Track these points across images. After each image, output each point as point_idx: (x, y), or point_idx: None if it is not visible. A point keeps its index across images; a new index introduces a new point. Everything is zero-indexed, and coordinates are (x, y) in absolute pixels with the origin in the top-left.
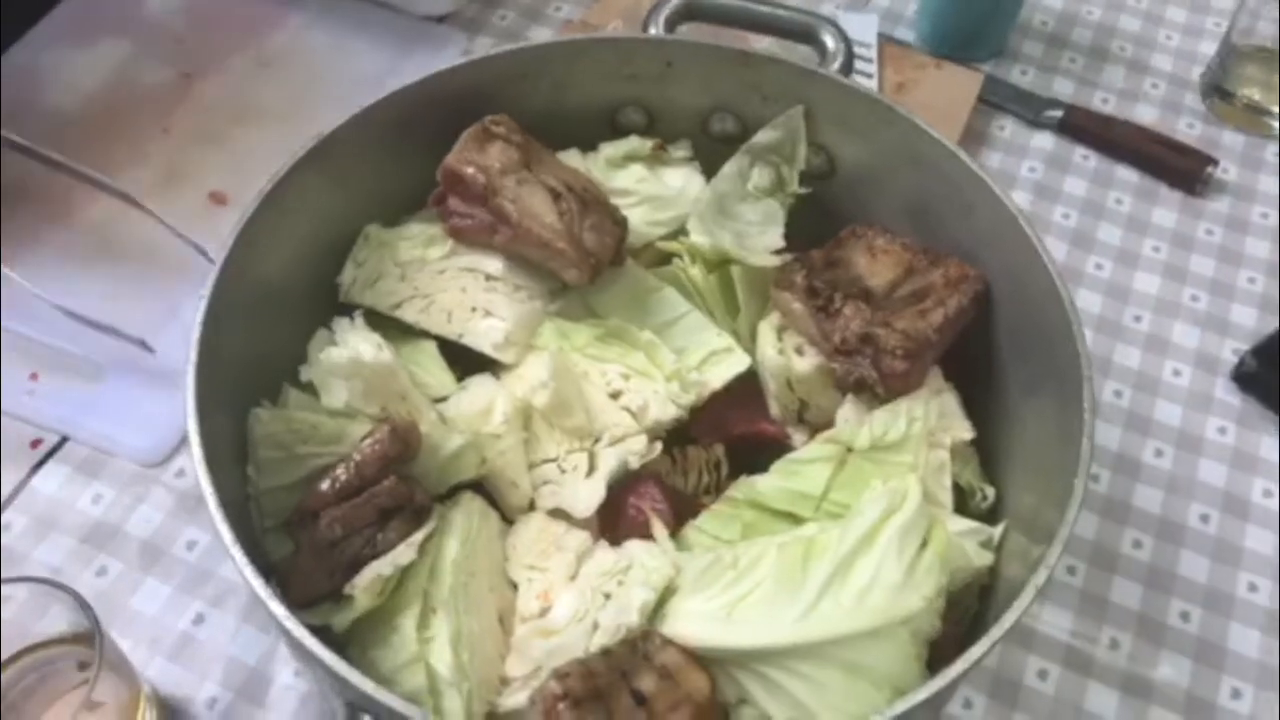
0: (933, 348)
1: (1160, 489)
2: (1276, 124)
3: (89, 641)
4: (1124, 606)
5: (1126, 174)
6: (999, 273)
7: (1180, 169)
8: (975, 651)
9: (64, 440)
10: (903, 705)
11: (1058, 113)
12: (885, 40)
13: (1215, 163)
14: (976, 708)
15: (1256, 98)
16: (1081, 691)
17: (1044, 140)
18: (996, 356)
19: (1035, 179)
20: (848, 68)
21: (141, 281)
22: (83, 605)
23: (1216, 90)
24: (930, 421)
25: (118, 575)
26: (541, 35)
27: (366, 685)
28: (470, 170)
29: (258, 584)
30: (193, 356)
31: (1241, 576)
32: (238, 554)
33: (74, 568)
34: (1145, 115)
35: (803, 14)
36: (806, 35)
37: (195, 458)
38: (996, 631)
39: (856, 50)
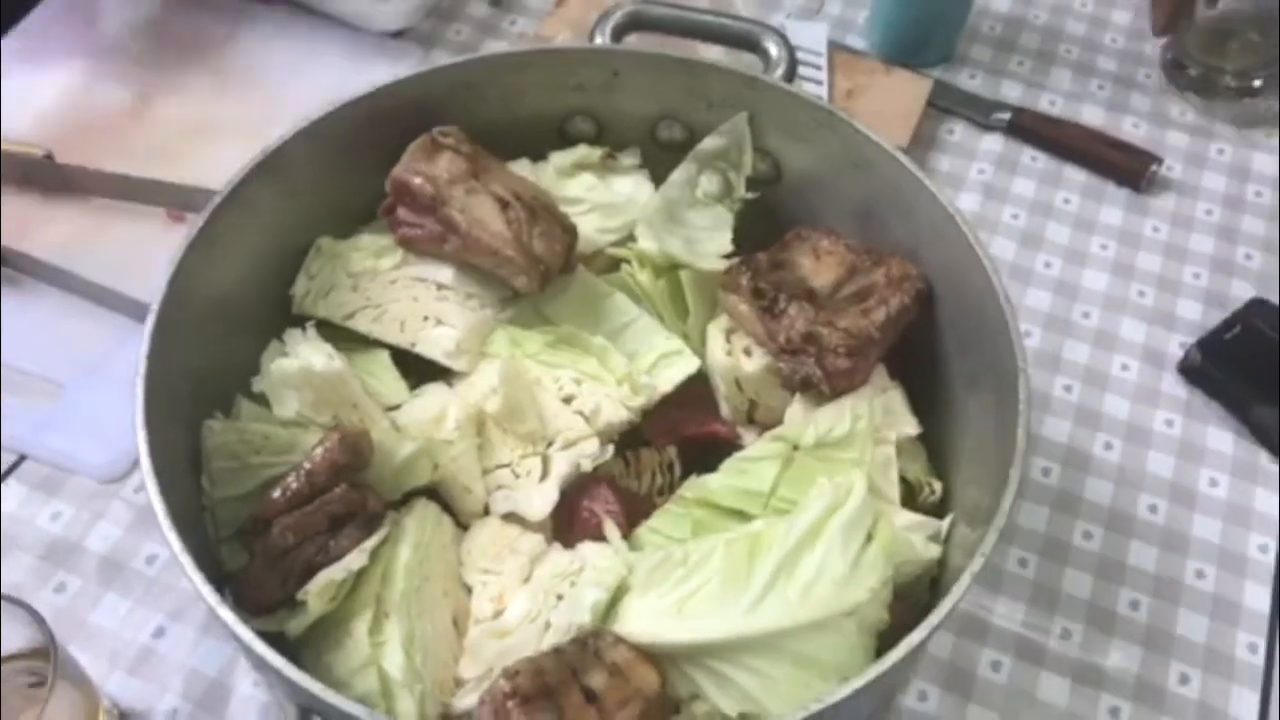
0: (876, 345)
1: (1110, 481)
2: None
3: (45, 657)
4: (1075, 596)
5: (1074, 174)
6: (940, 271)
7: (1126, 168)
8: (915, 637)
9: (22, 459)
10: (845, 690)
11: (1006, 115)
12: (835, 48)
13: (1160, 161)
14: (931, 699)
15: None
16: (1034, 681)
17: (993, 143)
18: (940, 353)
19: (984, 180)
20: (791, 75)
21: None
22: (37, 619)
23: (1175, 64)
24: (875, 418)
25: (77, 591)
26: (497, 49)
27: (315, 687)
28: (418, 180)
29: (205, 589)
30: (141, 368)
31: (1189, 564)
32: (185, 560)
33: (33, 585)
34: (1092, 116)
35: (746, 22)
36: (750, 43)
37: (144, 467)
38: (935, 617)
39: (807, 58)
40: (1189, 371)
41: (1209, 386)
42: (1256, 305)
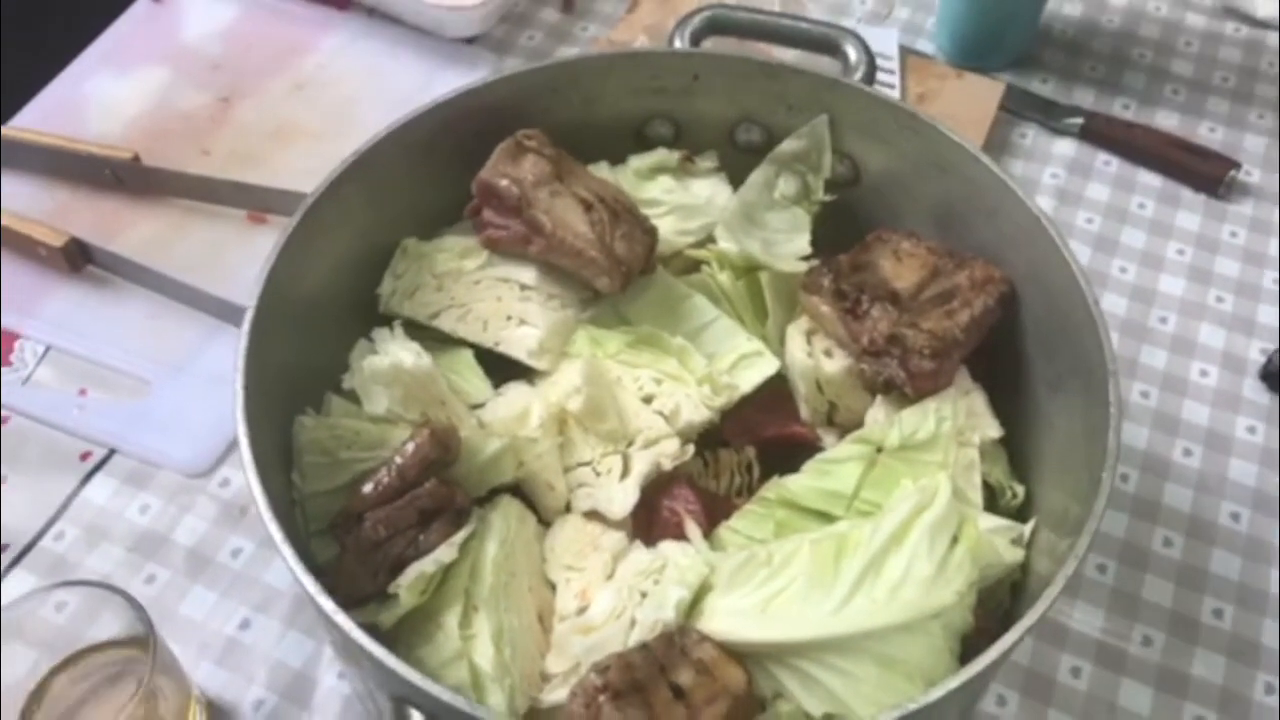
0: (960, 347)
1: (1190, 488)
2: None
3: (141, 645)
4: (1156, 604)
5: (1149, 179)
6: (1024, 273)
7: (1202, 172)
8: (1007, 639)
9: (112, 453)
10: (936, 693)
11: (1079, 120)
12: (906, 52)
13: (1238, 166)
14: (1010, 704)
15: None
16: (1115, 688)
17: (1066, 147)
18: (1023, 356)
19: (1058, 185)
20: (870, 77)
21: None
22: (135, 607)
23: None
24: (959, 420)
25: (166, 582)
26: (568, 54)
27: (414, 676)
28: (504, 183)
29: (307, 579)
30: (240, 364)
31: (1274, 574)
32: (287, 551)
33: (123, 575)
34: (1166, 121)
35: (825, 26)
36: (829, 47)
37: (244, 461)
38: (1027, 620)
39: (878, 62)
40: (1270, 377)
41: None
42: None
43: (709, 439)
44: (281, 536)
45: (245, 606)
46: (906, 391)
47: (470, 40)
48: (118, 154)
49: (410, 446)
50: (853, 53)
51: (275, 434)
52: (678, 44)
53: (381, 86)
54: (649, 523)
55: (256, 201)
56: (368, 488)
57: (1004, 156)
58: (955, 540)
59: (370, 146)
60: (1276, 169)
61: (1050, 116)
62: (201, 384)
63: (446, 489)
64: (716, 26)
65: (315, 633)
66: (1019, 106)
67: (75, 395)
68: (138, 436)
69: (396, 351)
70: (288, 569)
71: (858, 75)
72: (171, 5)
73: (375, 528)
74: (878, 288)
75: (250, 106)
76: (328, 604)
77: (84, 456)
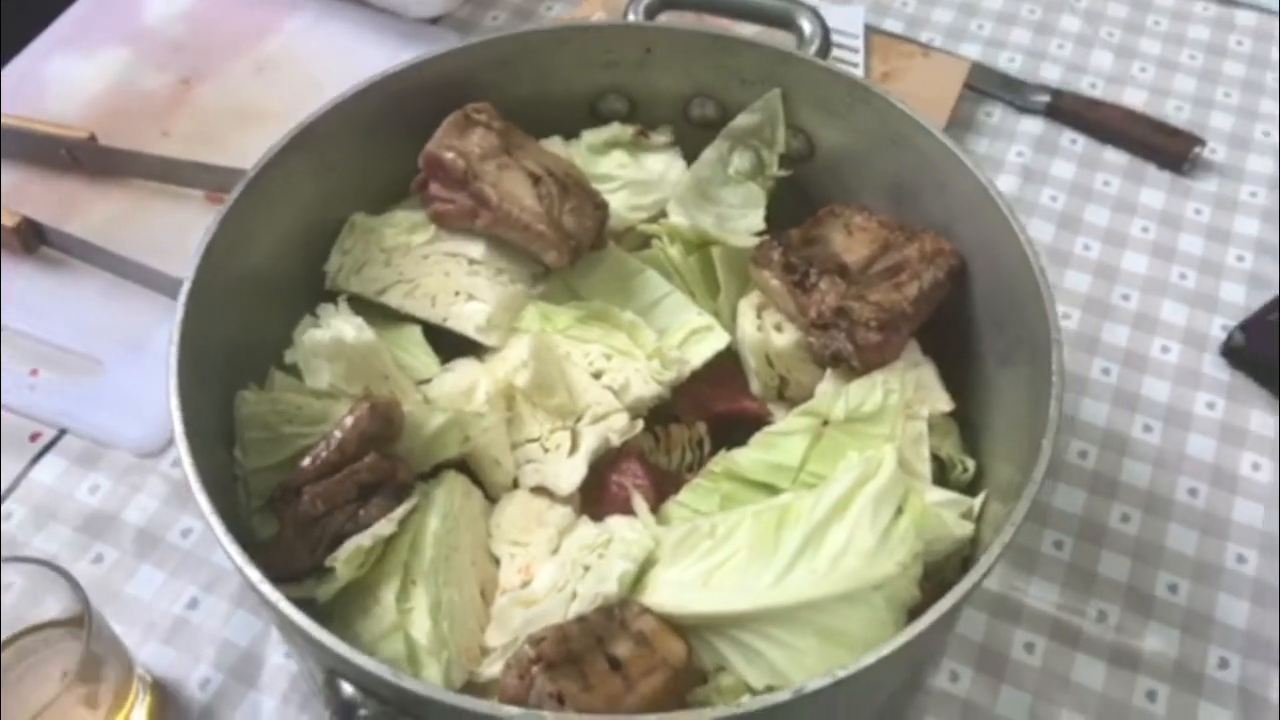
0: (908, 320)
1: (1148, 464)
2: None
3: (82, 624)
4: (1112, 579)
5: (1114, 156)
6: (974, 246)
7: (1168, 150)
8: (943, 604)
9: (62, 433)
10: (869, 658)
11: (1045, 98)
12: (872, 31)
13: (1203, 143)
14: (963, 680)
15: None
16: (1069, 663)
17: (1032, 125)
18: (974, 329)
19: (1023, 163)
20: (825, 51)
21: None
22: (73, 585)
23: None
24: (907, 393)
25: (114, 562)
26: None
27: (341, 648)
28: (450, 155)
29: (233, 548)
30: (175, 337)
31: (1230, 548)
32: (215, 521)
33: (71, 555)
34: (1134, 99)
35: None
36: (784, 20)
37: (176, 433)
38: (964, 585)
39: (843, 40)
40: (1231, 353)
41: (1251, 369)
42: None
43: (660, 415)
44: (210, 508)
45: (194, 586)
46: (854, 364)
47: (434, 20)
48: (74, 134)
49: (349, 420)
50: (807, 26)
51: (218, 409)
52: (632, 18)
53: (345, 67)
54: (598, 499)
55: (216, 182)
56: (306, 462)
57: (969, 134)
58: (900, 512)
59: (315, 119)
60: (1242, 146)
61: (1016, 95)
62: (154, 364)
63: (387, 463)
64: (670, 1)
65: (263, 612)
66: (985, 85)
67: (27, 375)
68: (89, 416)
69: (339, 325)
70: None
71: (812, 49)
72: None
73: (313, 502)
74: (827, 261)
75: (211, 88)
76: (254, 573)
77: (34, 437)
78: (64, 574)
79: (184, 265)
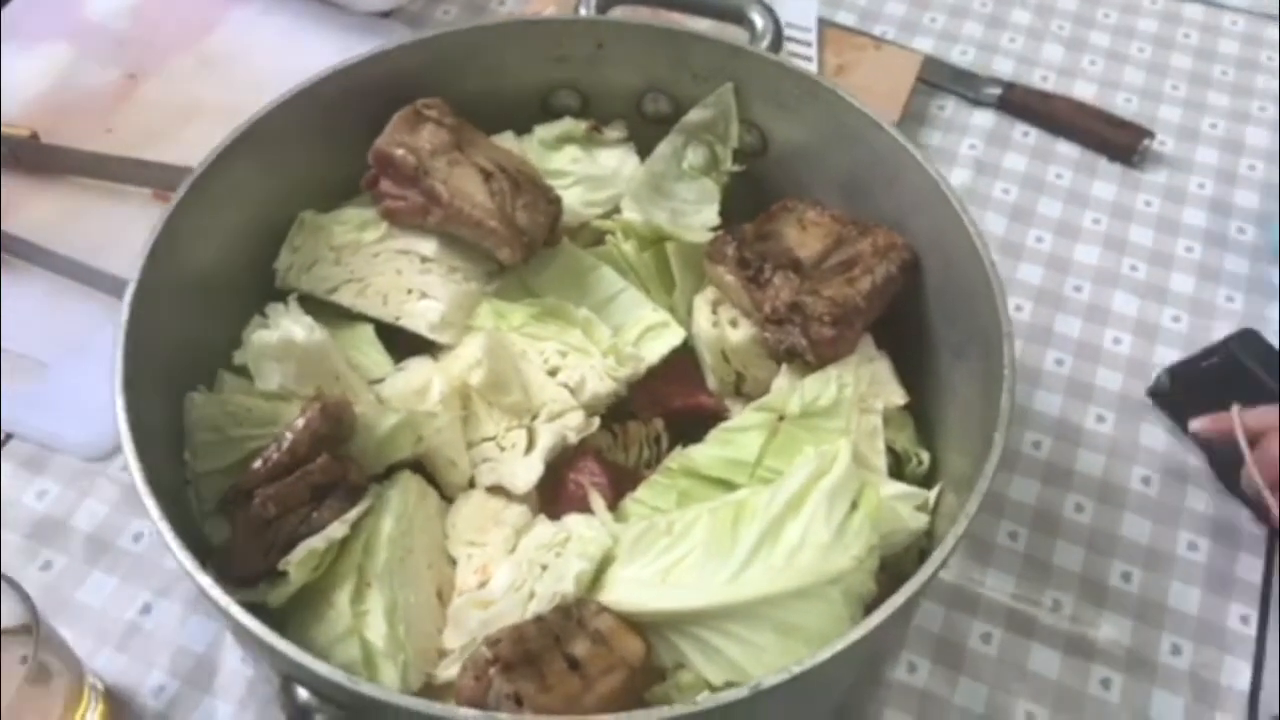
0: (861, 314)
1: (1102, 454)
2: None
3: (30, 633)
4: (1066, 569)
5: (1066, 149)
6: (927, 240)
7: (1118, 142)
8: (898, 598)
9: (8, 438)
10: (826, 653)
11: (997, 90)
12: (826, 25)
13: (1152, 135)
14: (921, 671)
15: None
16: (1025, 653)
17: (984, 118)
18: (927, 323)
19: (975, 156)
20: (777, 45)
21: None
22: (20, 594)
23: None
24: (861, 387)
25: (63, 569)
26: None
27: (294, 653)
28: (400, 152)
29: (183, 555)
30: (120, 339)
31: (1182, 536)
32: (164, 526)
33: (19, 563)
34: (1084, 92)
35: None
36: (735, 15)
37: (122, 435)
38: (919, 578)
39: (796, 34)
40: (1157, 396)
41: (1176, 414)
42: (1243, 336)
43: (618, 412)
44: (158, 513)
45: (146, 591)
46: (809, 359)
47: (385, 14)
48: (15, 132)
49: (300, 421)
50: (759, 20)
51: (167, 412)
52: (583, 12)
53: (293, 62)
54: (555, 497)
55: (159, 179)
56: (257, 464)
57: (922, 128)
58: (855, 506)
59: (262, 115)
60: (1190, 138)
61: (969, 88)
62: (100, 366)
63: (339, 465)
64: None
65: (218, 616)
66: (938, 78)
67: None
68: (35, 420)
69: (288, 326)
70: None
71: (765, 43)
72: None
73: (265, 505)
74: (781, 256)
75: (156, 83)
76: (205, 580)
77: None
78: (10, 582)
79: (129, 265)
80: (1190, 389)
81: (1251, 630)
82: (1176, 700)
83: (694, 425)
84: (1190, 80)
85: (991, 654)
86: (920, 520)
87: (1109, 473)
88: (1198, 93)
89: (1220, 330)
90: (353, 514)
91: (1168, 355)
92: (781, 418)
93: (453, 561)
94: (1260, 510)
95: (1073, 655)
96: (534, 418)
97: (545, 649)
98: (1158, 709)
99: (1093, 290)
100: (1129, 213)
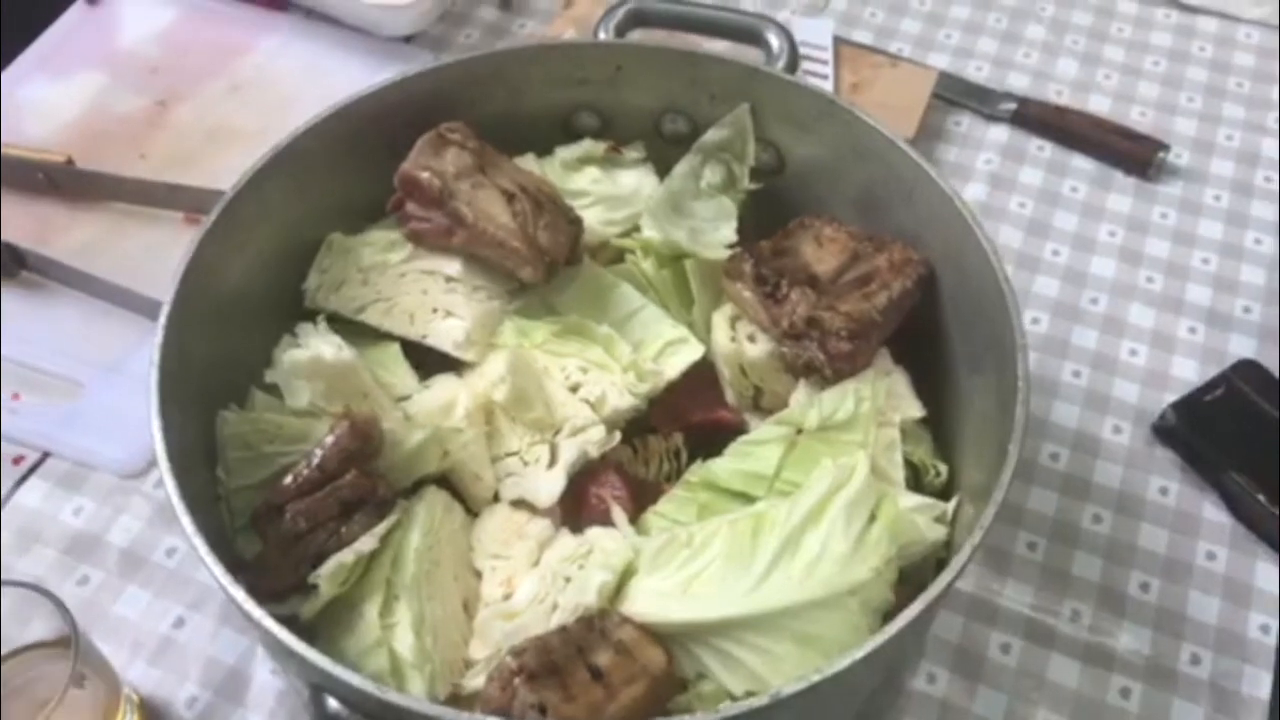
0: (878, 329)
1: (1119, 465)
2: None
3: (69, 646)
4: (1085, 579)
5: (1081, 163)
6: (941, 255)
7: (1133, 155)
8: (915, 607)
9: (45, 456)
10: (844, 661)
11: (1012, 106)
12: (841, 43)
13: (1167, 148)
14: (940, 681)
15: None
16: (1044, 663)
17: (999, 133)
18: (944, 337)
19: (991, 170)
20: (793, 65)
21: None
22: (60, 608)
23: None
24: (879, 401)
25: (99, 584)
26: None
27: (325, 663)
28: (426, 175)
29: (217, 568)
30: (155, 358)
31: (1201, 546)
32: (198, 541)
33: (56, 578)
34: (1098, 106)
35: (746, 15)
36: (752, 36)
37: (158, 453)
38: (935, 588)
39: (813, 53)
40: (1161, 431)
41: (1182, 449)
42: (1245, 367)
43: (638, 427)
44: (193, 528)
45: (179, 605)
46: (826, 373)
47: (408, 39)
48: (51, 158)
49: (330, 438)
50: (775, 41)
51: (199, 430)
52: (602, 36)
53: (319, 86)
54: (577, 510)
55: (192, 203)
56: (288, 480)
57: (938, 143)
58: (873, 518)
59: (291, 141)
60: (1206, 151)
61: (984, 103)
62: (135, 385)
63: (368, 480)
64: (640, 19)
65: (249, 629)
66: (953, 94)
67: (8, 400)
68: (71, 439)
69: (317, 345)
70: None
71: (780, 64)
72: (107, 9)
73: (295, 520)
74: (798, 272)
75: (187, 109)
76: (238, 593)
77: (16, 461)
78: (50, 596)
79: (162, 287)
80: (1195, 423)
81: (1272, 640)
82: (1197, 710)
83: (713, 439)
84: (1205, 93)
85: (1011, 664)
86: (938, 532)
87: (1126, 483)
88: (1213, 105)
89: (1237, 341)
90: (381, 528)
91: (1185, 366)
92: (800, 431)
93: (478, 574)
94: None
95: (1092, 665)
96: (556, 433)
97: (569, 659)
98: (1178, 718)
99: (1109, 302)
100: (1145, 225)
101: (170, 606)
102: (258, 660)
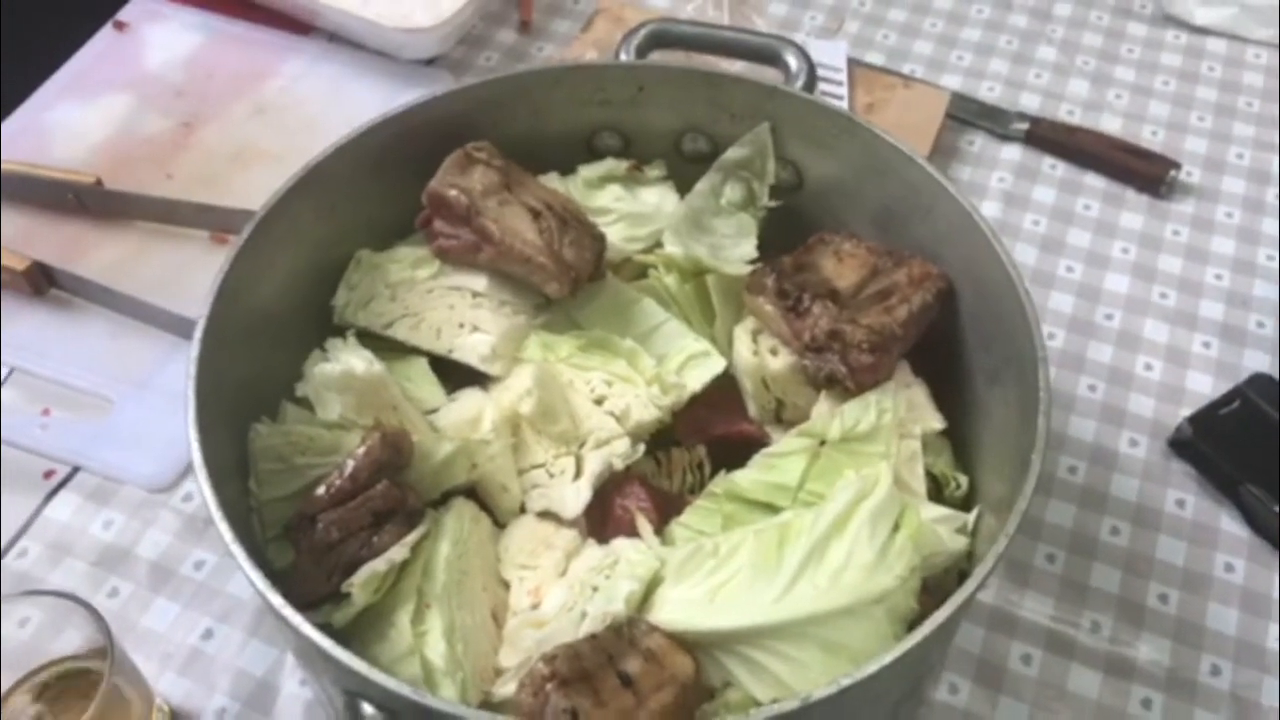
0: (899, 342)
1: (1136, 478)
2: None
3: (102, 657)
4: (1104, 591)
5: (1094, 181)
6: (960, 269)
7: (1145, 173)
8: (941, 614)
9: (75, 471)
10: (871, 667)
11: (1024, 125)
12: (855, 64)
13: (1179, 166)
14: (962, 692)
15: None
16: (1065, 673)
17: (1012, 152)
18: (963, 349)
19: (1005, 189)
20: (811, 85)
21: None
22: (95, 617)
23: None
24: (900, 413)
25: (129, 595)
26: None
27: (361, 667)
28: (453, 193)
29: (255, 575)
30: (192, 373)
31: (1219, 558)
32: (238, 550)
33: (87, 590)
34: (1110, 125)
35: (765, 36)
36: (770, 57)
37: (196, 465)
38: (960, 595)
39: (827, 75)
40: (1178, 445)
41: (1199, 462)
42: (1259, 380)
43: (661, 439)
44: (232, 536)
45: (208, 617)
46: (848, 386)
47: (429, 62)
48: (80, 178)
49: (361, 449)
50: (793, 61)
51: (232, 443)
52: (623, 57)
53: (342, 108)
54: (603, 522)
55: (219, 222)
56: (320, 490)
57: (952, 162)
58: (897, 527)
59: (320, 161)
60: (1217, 169)
61: (996, 123)
62: (163, 401)
63: (398, 491)
64: (660, 40)
65: (277, 641)
66: (966, 114)
67: (38, 415)
68: (100, 454)
69: (348, 359)
70: (243, 574)
71: (798, 83)
72: (134, 33)
73: (328, 529)
74: (819, 287)
75: (213, 131)
76: (276, 599)
77: (47, 475)
78: (86, 606)
79: (189, 304)
80: (1211, 437)
81: None
82: None
83: (736, 451)
84: (1215, 112)
85: (1032, 674)
86: (960, 542)
87: (1144, 496)
88: (1223, 124)
89: (1250, 355)
90: (412, 537)
91: (1199, 381)
92: (823, 443)
93: (506, 584)
94: None
95: (1113, 676)
96: (581, 445)
97: (599, 666)
98: None
99: (1124, 318)
100: (1158, 242)
101: (199, 618)
102: (286, 671)
